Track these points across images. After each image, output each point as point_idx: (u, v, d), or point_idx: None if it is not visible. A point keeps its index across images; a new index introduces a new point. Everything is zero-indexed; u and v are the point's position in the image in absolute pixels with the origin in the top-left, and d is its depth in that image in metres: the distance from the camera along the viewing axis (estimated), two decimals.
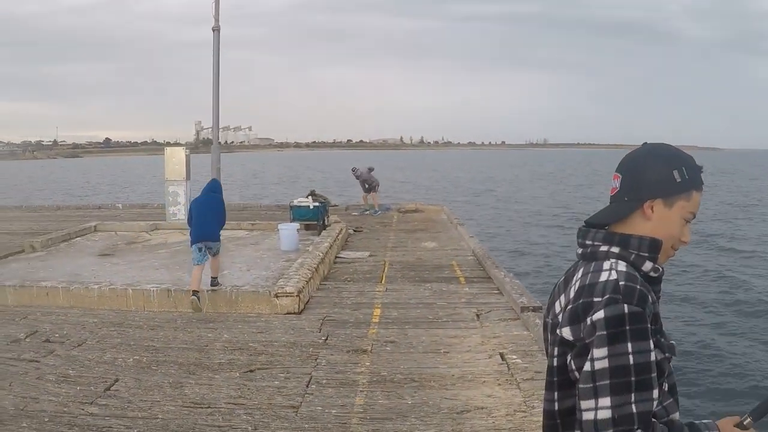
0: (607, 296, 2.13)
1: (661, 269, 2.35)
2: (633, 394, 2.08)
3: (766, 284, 22.63)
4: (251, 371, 7.96)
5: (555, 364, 2.31)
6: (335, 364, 8.23)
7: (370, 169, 25.86)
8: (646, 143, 2.44)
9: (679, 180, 2.30)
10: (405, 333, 9.61)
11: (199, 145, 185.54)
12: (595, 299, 2.16)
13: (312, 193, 20.50)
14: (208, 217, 11.61)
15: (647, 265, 2.29)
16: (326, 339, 9.31)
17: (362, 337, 9.44)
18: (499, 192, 65.49)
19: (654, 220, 2.32)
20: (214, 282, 11.59)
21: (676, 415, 2.36)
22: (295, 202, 19.99)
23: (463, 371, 7.96)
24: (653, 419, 2.17)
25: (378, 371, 8.00)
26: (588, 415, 2.10)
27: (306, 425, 6.46)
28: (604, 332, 2.09)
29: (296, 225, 17.18)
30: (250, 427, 6.40)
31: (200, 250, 11.28)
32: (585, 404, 2.11)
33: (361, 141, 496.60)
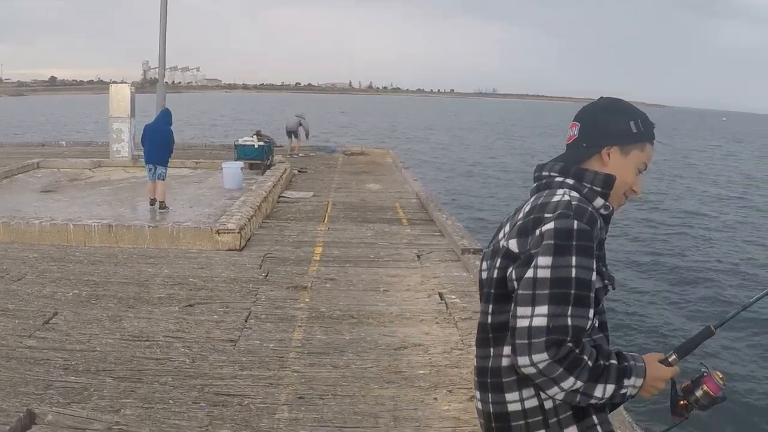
0: (559, 212, 2.18)
1: (611, 208, 2.39)
2: (570, 308, 2.11)
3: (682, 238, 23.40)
4: (190, 306, 7.91)
5: (495, 276, 2.32)
6: (274, 300, 8.22)
7: (299, 116, 25.72)
8: (602, 97, 2.52)
9: (635, 131, 2.40)
10: (345, 271, 9.63)
11: (146, 85, 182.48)
12: (546, 215, 2.21)
13: (257, 133, 20.30)
14: (155, 143, 13.18)
15: (598, 201, 2.35)
16: (266, 275, 9.28)
17: (302, 274, 9.42)
18: (442, 139, 65.30)
19: (610, 166, 2.40)
20: (162, 205, 12.96)
21: None
22: (240, 141, 19.80)
23: (401, 309, 8.01)
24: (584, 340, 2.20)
25: (317, 307, 8.00)
26: (523, 322, 2.12)
27: (243, 358, 6.45)
28: (552, 242, 2.14)
29: (240, 164, 17.03)
30: (187, 360, 6.37)
31: (150, 169, 13.11)
32: (521, 311, 2.13)
33: (310, 84, 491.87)
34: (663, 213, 27.54)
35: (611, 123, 2.40)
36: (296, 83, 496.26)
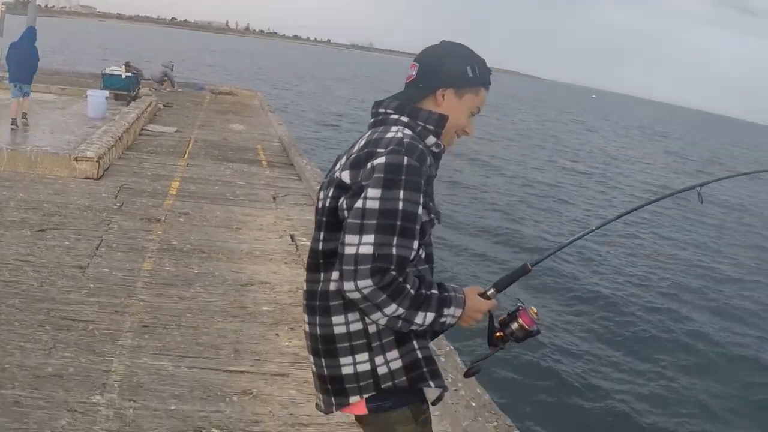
0: (391, 147, 2.24)
1: (442, 146, 2.45)
2: (396, 238, 2.18)
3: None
4: (42, 231, 7.69)
5: (327, 204, 2.38)
6: (127, 231, 8.08)
7: (166, 66, 25.01)
8: (444, 41, 2.57)
9: (471, 75, 2.45)
10: (200, 207, 9.55)
11: (18, 6, 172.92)
12: (379, 150, 2.26)
13: (126, 65, 19.72)
14: (21, 62, 13.32)
15: (430, 139, 2.40)
16: (121, 206, 9.09)
17: (157, 207, 9.29)
18: (311, 88, 64.62)
19: (443, 107, 2.44)
20: (23, 117, 13.19)
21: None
22: (108, 71, 19.15)
23: (252, 247, 8.03)
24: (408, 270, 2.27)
25: (168, 240, 7.93)
26: (350, 249, 2.18)
27: (91, 285, 6.35)
28: (381, 176, 2.19)
29: (105, 93, 16.48)
30: (35, 284, 6.22)
31: (15, 86, 13.13)
32: (349, 239, 2.19)
33: (186, 20, 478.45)
34: (503, 176, 28.44)
35: (448, 66, 2.44)
36: (172, 18, 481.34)
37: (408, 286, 2.22)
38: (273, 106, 25.34)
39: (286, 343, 5.68)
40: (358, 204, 2.21)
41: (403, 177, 2.20)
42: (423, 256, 2.46)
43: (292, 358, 5.43)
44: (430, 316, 2.29)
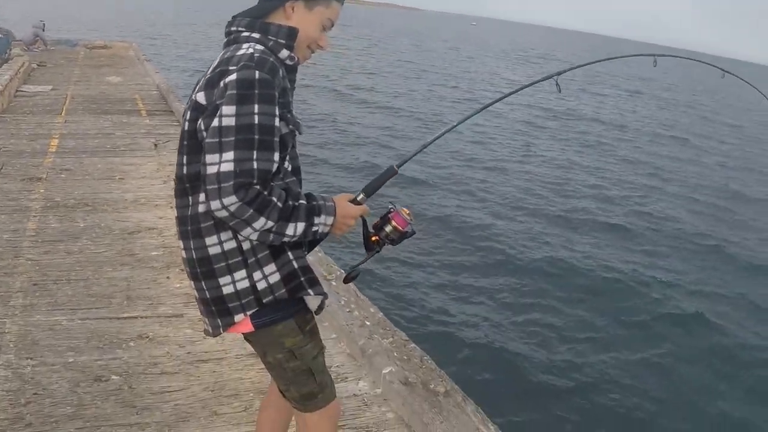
0: (241, 63, 2.17)
1: (296, 59, 2.38)
2: (255, 152, 2.13)
3: None
4: None
5: (186, 128, 2.30)
6: (8, 193, 7.69)
7: (36, 27, 23.55)
8: None
9: None
10: (81, 162, 9.17)
11: None
12: (230, 67, 2.19)
13: None
14: None
15: (284, 53, 2.33)
16: (1, 168, 8.66)
17: (38, 166, 8.86)
18: (189, 37, 62.65)
19: (294, 20, 2.37)
20: None
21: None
22: None
23: (136, 196, 7.79)
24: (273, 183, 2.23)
25: (52, 197, 7.59)
26: (212, 169, 2.11)
27: None
28: (234, 92, 2.12)
29: None
30: None
31: None
32: (210, 158, 2.13)
33: None
34: (378, 104, 28.55)
35: None
36: None
37: (274, 199, 2.19)
38: (149, 55, 24.56)
39: (178, 285, 5.57)
40: (215, 123, 2.14)
41: (256, 91, 2.14)
42: (289, 168, 2.41)
43: (184, 298, 5.33)
44: (301, 226, 2.28)
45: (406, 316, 8.68)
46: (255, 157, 2.14)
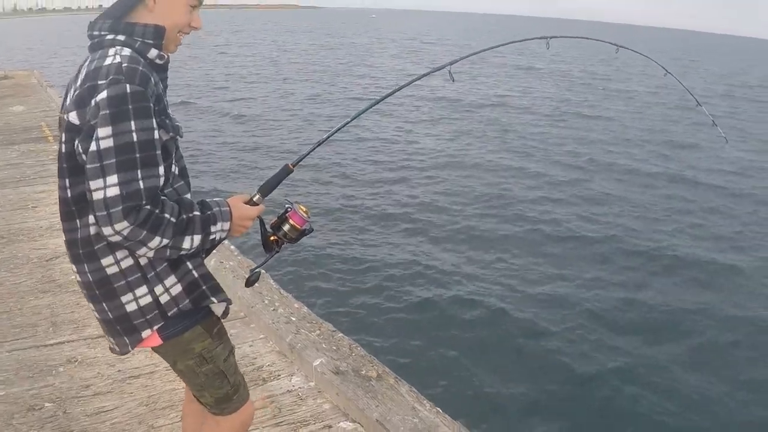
0: (110, 77, 2.06)
1: (166, 57, 2.29)
2: (139, 171, 2.06)
3: None
4: None
5: (64, 150, 2.21)
6: None
7: None
8: None
9: None
10: None
11: None
12: (100, 82, 2.07)
13: None
14: None
15: (153, 52, 2.24)
16: None
17: None
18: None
19: (156, 12, 2.24)
20: None
21: (188, 197, 2.39)
22: None
23: (51, 222, 7.63)
24: (163, 197, 2.18)
25: None
26: (98, 194, 2.04)
27: None
28: (107, 111, 2.02)
29: None
30: None
31: None
32: (94, 184, 2.05)
33: None
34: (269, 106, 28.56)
35: None
36: None
37: (167, 216, 2.14)
38: (52, 81, 24.07)
39: None
40: (93, 147, 2.05)
41: (129, 106, 2.04)
42: (177, 172, 2.37)
43: None
44: (197, 237, 2.25)
45: (329, 308, 8.78)
46: (140, 176, 2.07)
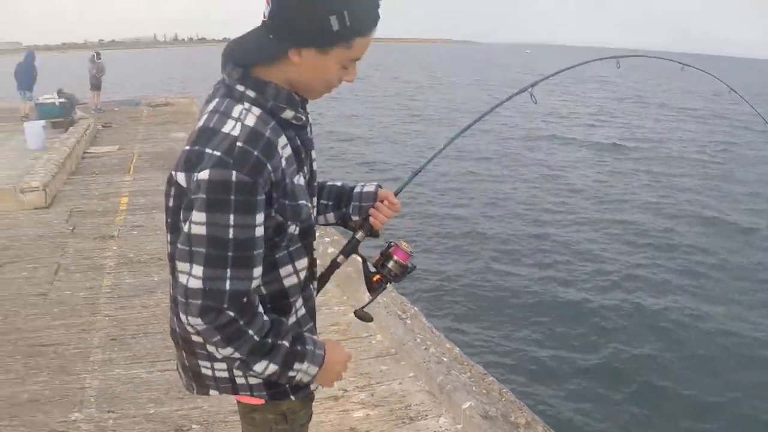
0: (218, 155, 1.75)
1: (304, 118, 2.00)
2: (229, 270, 1.79)
3: None
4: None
5: (170, 204, 1.95)
6: (83, 251, 7.98)
7: (93, 60, 24.05)
8: None
9: (337, 29, 1.80)
10: (152, 217, 9.44)
11: None
12: (207, 151, 1.77)
13: (59, 91, 19.38)
14: None
15: (288, 113, 1.92)
16: (74, 229, 8.96)
17: (109, 224, 9.19)
18: None
19: (303, 66, 1.89)
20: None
21: (304, 261, 2.12)
22: (41, 100, 18.78)
23: None
24: (258, 308, 1.92)
25: (125, 254, 7.86)
26: (182, 278, 1.81)
27: (55, 309, 6.29)
28: (204, 196, 1.74)
29: (42, 123, 16.14)
30: (0, 317, 6.16)
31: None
32: (181, 266, 1.82)
33: (113, 41, 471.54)
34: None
35: (302, 16, 1.80)
36: (99, 40, 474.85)
37: (250, 332, 1.88)
38: None
39: None
40: (185, 227, 1.80)
41: (231, 197, 1.74)
42: (296, 232, 2.01)
43: None
44: (273, 368, 1.96)
45: (479, 347, 8.68)
46: (228, 275, 1.78)
